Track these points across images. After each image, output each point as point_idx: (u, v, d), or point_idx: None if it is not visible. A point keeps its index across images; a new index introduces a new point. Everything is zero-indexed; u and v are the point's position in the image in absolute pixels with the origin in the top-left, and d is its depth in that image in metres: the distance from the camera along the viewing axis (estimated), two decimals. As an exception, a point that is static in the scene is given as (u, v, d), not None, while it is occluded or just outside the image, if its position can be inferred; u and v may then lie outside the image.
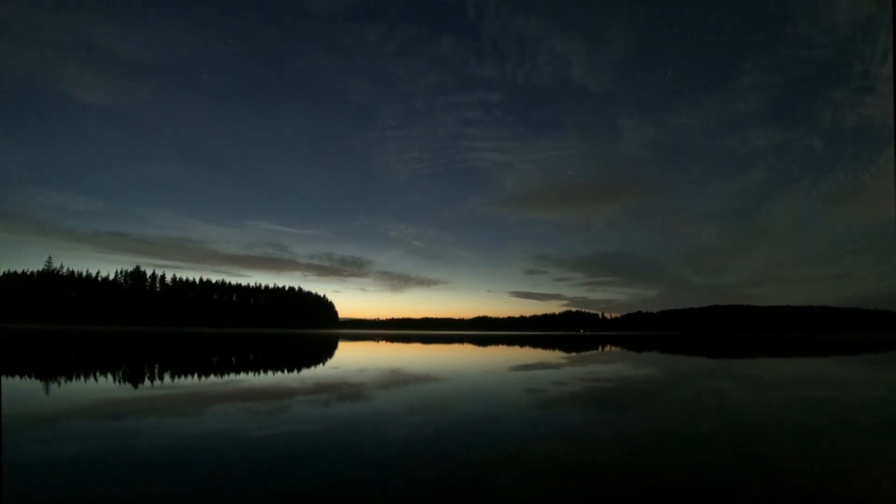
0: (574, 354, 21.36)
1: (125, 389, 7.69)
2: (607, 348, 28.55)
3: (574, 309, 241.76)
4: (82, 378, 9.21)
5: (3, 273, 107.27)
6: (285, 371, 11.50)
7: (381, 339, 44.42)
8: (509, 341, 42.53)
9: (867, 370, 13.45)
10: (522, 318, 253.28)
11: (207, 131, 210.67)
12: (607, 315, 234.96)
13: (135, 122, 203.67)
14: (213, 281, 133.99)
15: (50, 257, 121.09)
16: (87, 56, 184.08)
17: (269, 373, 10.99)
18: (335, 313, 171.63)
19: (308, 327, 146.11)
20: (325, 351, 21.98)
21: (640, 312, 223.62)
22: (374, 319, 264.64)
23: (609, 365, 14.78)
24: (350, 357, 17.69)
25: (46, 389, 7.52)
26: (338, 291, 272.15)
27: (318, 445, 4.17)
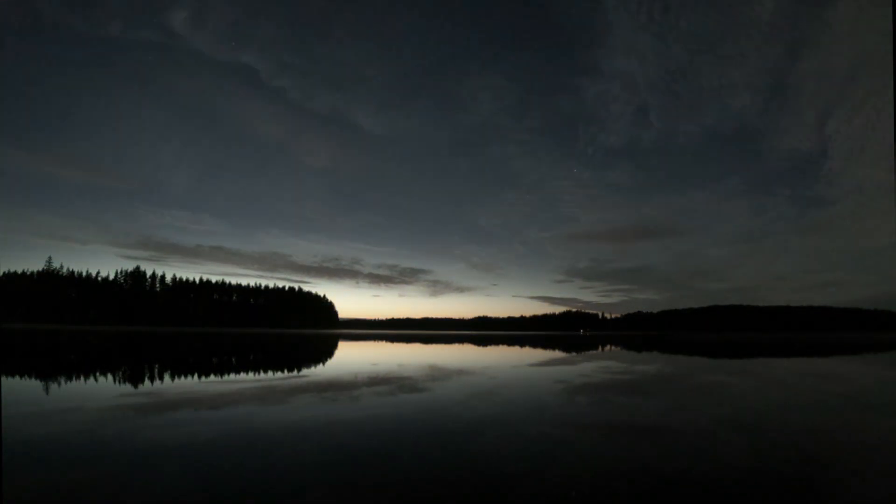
0: (582, 353, 22.52)
1: (197, 384, 8.35)
2: (607, 348, 29.70)
3: (574, 309, 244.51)
4: (141, 376, 10.19)
5: (3, 273, 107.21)
6: (330, 367, 12.54)
7: (383, 340, 45.35)
8: (510, 342, 43.46)
9: (867, 368, 14.67)
10: (522, 318, 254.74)
11: (373, 177, 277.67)
12: (607, 315, 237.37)
13: (321, 171, 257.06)
14: (213, 281, 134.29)
15: (50, 257, 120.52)
16: (338, 128, 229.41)
17: (318, 368, 12.03)
18: (335, 313, 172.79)
19: (308, 327, 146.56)
20: (350, 350, 22.97)
21: (639, 312, 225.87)
22: (374, 319, 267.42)
23: (618, 362, 15.96)
24: (380, 355, 18.73)
25: (116, 386, 8.48)
26: (377, 296, 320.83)
27: (410, 423, 5.08)
